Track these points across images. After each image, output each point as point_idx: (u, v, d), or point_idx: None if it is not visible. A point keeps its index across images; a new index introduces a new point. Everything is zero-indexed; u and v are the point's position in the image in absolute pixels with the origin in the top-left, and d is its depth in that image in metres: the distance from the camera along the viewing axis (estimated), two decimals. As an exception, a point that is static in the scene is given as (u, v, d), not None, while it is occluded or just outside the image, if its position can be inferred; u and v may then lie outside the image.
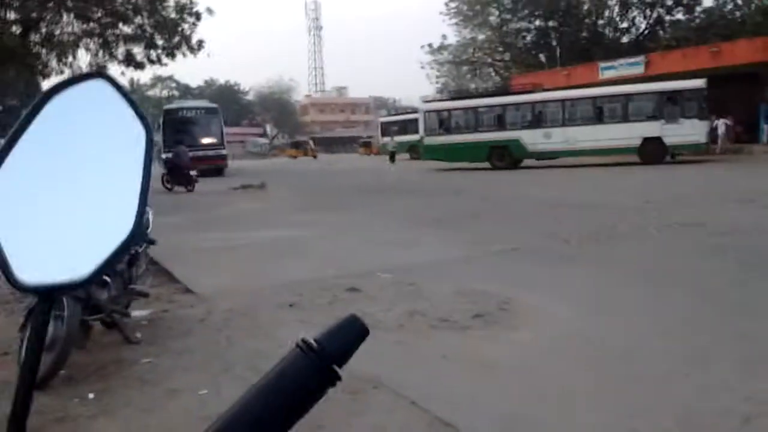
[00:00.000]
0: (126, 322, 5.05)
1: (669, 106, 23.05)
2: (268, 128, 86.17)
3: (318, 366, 0.72)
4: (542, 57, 40.98)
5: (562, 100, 25.35)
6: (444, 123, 27.39)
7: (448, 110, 27.81)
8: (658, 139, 22.92)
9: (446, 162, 27.16)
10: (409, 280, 6.45)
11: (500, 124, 26.09)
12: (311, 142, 56.47)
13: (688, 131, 22.43)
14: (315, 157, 50.03)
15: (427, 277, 6.59)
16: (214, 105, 31.25)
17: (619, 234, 9.06)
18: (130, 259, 5.12)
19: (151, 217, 5.61)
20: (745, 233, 8.71)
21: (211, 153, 26.82)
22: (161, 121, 27.14)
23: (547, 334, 4.83)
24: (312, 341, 0.74)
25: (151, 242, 5.49)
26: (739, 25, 37.49)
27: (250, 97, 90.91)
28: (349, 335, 0.77)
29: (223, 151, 27.89)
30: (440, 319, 5.15)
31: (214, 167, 26.77)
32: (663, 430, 3.21)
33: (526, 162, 26.16)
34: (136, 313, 5.47)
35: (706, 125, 23.09)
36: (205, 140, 27.16)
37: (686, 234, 8.81)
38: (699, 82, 22.92)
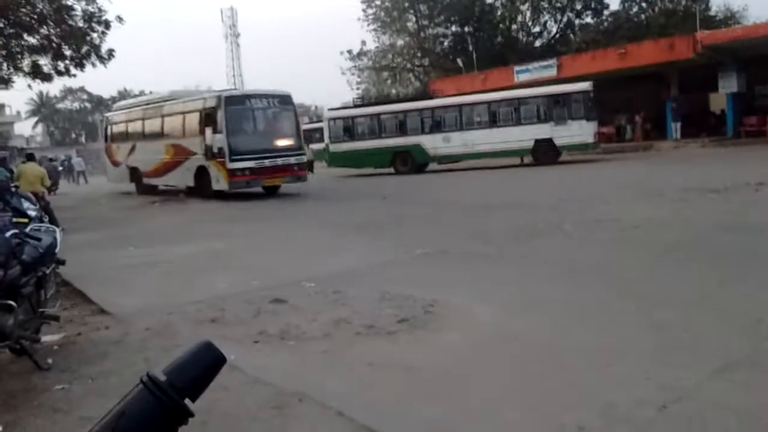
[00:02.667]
0: (36, 348, 4.80)
1: (558, 108, 24.02)
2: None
3: (165, 403, 0.67)
4: (460, 62, 41.62)
5: (460, 105, 26.11)
6: (348, 130, 27.52)
7: (352, 117, 28.00)
8: (549, 141, 23.92)
9: (352, 168, 27.53)
10: (334, 288, 6.40)
11: (402, 129, 26.56)
12: None
13: (576, 132, 23.50)
14: None
15: (353, 284, 6.55)
16: (286, 92, 21.16)
17: (538, 232, 9.28)
18: (38, 281, 4.87)
19: (59, 236, 5.35)
20: (656, 226, 9.10)
21: (292, 159, 18.90)
22: (220, 115, 17.91)
23: (471, 335, 4.88)
24: (158, 376, 0.69)
25: (61, 262, 5.24)
26: (645, 27, 39.31)
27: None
28: (202, 365, 0.71)
29: (304, 157, 19.85)
30: (366, 325, 5.12)
31: (296, 178, 19.27)
32: (587, 424, 3.28)
33: (432, 167, 26.74)
34: (46, 338, 5.21)
35: (593, 126, 24.16)
36: (282, 142, 18.99)
37: (601, 229, 9.11)
38: (585, 85, 24.00)
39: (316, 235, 10.66)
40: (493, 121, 25.11)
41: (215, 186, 18.46)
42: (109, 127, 25.92)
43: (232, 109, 18.07)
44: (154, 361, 4.61)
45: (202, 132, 18.60)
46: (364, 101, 32.34)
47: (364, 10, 48.78)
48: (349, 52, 50.98)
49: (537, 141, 23.97)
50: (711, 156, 22.73)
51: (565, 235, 8.98)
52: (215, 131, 18.00)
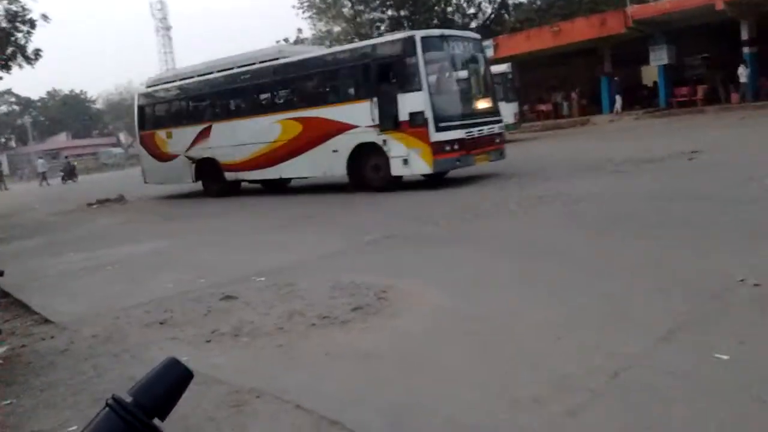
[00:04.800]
0: (-23, 363, 4.61)
1: None
2: (122, 137, 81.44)
3: (132, 425, 0.65)
4: (398, 46, 41.70)
5: None
6: None
7: None
8: None
9: None
10: (285, 281, 6.34)
11: None
12: None
13: None
14: None
15: (304, 276, 6.51)
16: (476, 35, 15.78)
17: (483, 212, 9.39)
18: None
19: (-7, 246, 5.15)
20: (598, 199, 9.32)
21: (496, 128, 13.75)
22: (414, 64, 12.35)
23: (425, 318, 4.91)
24: (124, 398, 0.67)
25: (-2, 273, 5.05)
26: (577, 4, 40.04)
27: (99, 105, 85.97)
28: (169, 383, 0.70)
29: (503, 123, 14.72)
30: (320, 316, 5.09)
31: (499, 154, 13.87)
32: (541, 395, 3.34)
33: None
34: (-12, 352, 5.01)
35: (513, 107, 24.50)
36: (483, 103, 13.95)
37: (545, 205, 9.28)
38: (503, 67, 24.36)
39: (263, 229, 10.53)
40: None
41: (399, 170, 12.92)
42: (147, 109, 18.95)
43: (432, 56, 12.80)
44: (102, 368, 4.49)
45: (373, 93, 13.02)
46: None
47: (298, -3, 48.28)
48: (285, 40, 50.43)
49: None
50: (645, 127, 23.39)
51: (510, 213, 9.11)
52: (405, 89, 12.56)
